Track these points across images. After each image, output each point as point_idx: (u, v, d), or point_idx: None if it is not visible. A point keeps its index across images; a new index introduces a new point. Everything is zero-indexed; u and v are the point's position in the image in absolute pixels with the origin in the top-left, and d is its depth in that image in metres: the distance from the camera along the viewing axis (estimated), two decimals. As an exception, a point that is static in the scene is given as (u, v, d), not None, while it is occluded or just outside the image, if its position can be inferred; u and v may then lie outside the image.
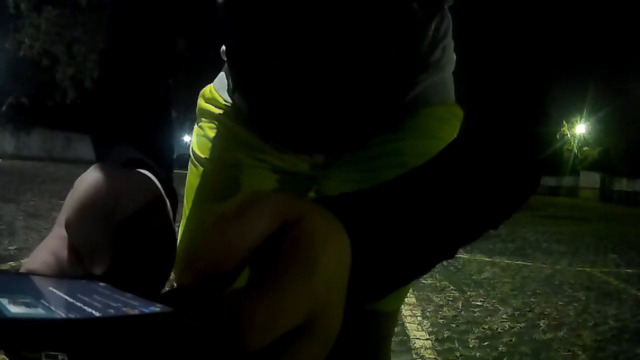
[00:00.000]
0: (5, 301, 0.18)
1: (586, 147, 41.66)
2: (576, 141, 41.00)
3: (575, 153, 40.39)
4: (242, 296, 0.20)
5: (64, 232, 0.31)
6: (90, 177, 0.32)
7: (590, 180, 34.62)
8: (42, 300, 0.20)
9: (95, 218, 0.30)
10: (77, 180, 0.32)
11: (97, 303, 0.21)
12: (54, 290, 0.24)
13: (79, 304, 0.21)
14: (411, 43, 0.55)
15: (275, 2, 0.53)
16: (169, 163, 0.46)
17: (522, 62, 0.40)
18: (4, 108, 19.52)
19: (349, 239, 0.26)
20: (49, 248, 0.30)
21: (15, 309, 0.17)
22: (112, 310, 0.20)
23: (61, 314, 0.19)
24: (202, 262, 0.23)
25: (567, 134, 40.63)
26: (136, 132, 0.44)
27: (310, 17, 0.53)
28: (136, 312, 0.21)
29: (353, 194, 0.32)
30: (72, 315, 0.19)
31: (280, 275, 0.21)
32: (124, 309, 0.21)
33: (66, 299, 0.22)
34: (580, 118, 41.23)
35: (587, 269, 4.87)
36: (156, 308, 0.22)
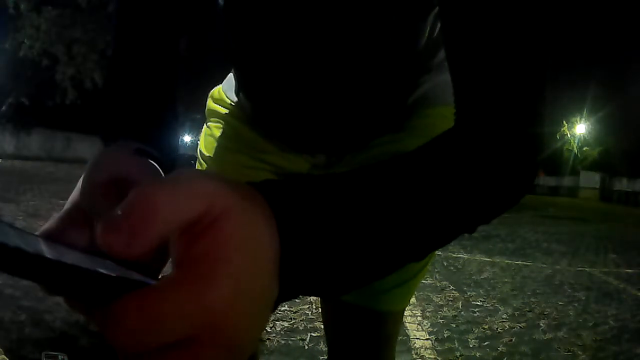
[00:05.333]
0: (22, 243, 0.19)
1: (586, 147, 41.66)
2: (576, 141, 41.00)
3: (575, 153, 40.39)
4: (129, 300, 0.20)
5: (74, 205, 0.34)
6: (99, 156, 0.35)
7: (590, 180, 34.62)
8: (50, 252, 0.22)
9: (105, 186, 0.33)
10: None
11: (100, 267, 0.22)
12: (63, 248, 0.26)
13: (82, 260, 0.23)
14: (408, 39, 0.55)
15: (272, 5, 0.53)
16: (173, 158, 0.47)
17: (515, 58, 0.37)
18: (4, 108, 19.52)
19: (279, 236, 0.25)
20: (61, 218, 0.33)
21: (32, 250, 0.19)
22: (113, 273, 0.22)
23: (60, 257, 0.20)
24: (123, 225, 0.21)
25: (567, 134, 40.64)
26: (142, 132, 0.45)
27: (306, 18, 0.53)
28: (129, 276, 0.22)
29: (306, 180, 0.30)
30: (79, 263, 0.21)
31: (173, 285, 0.21)
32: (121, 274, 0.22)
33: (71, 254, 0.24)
34: (580, 118, 41.24)
35: (587, 269, 4.87)
36: (151, 281, 0.23)
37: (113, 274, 0.21)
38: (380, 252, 0.31)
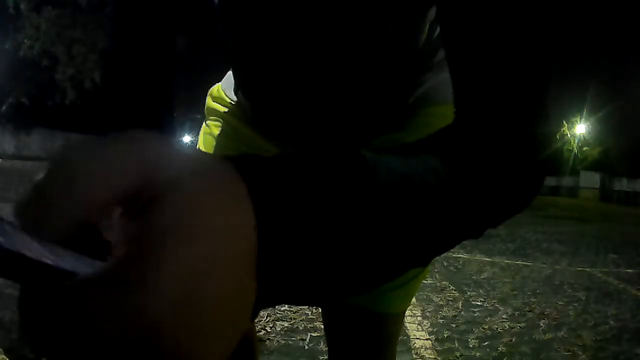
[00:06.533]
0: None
1: (586, 147, 41.64)
2: (576, 141, 40.97)
3: (575, 153, 40.37)
4: (54, 294, 0.16)
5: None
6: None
7: (590, 180, 34.60)
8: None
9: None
10: None
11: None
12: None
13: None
14: (407, 37, 0.55)
15: (269, 5, 0.53)
16: None
17: (518, 56, 0.36)
18: (4, 108, 19.53)
19: (256, 223, 0.19)
20: None
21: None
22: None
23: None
24: (40, 204, 0.17)
25: (567, 134, 40.60)
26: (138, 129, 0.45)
27: (305, 17, 0.53)
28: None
29: (295, 160, 0.24)
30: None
31: (99, 277, 0.16)
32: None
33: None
34: (580, 118, 41.20)
35: (587, 269, 4.86)
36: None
37: (49, 262, 0.17)
38: (381, 257, 0.28)
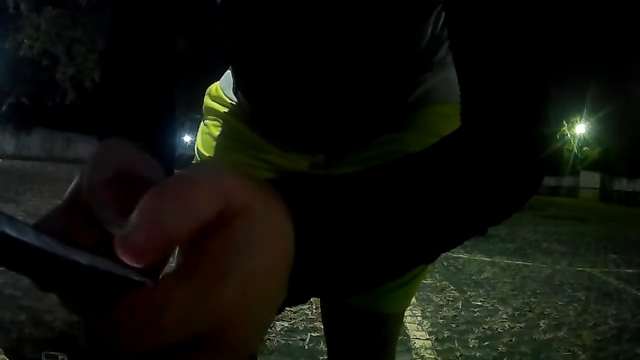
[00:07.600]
0: (22, 235, 0.18)
1: (586, 147, 41.65)
2: (576, 141, 40.98)
3: (575, 153, 40.37)
4: (132, 300, 0.19)
5: (71, 199, 0.32)
6: (102, 149, 0.34)
7: (590, 180, 34.63)
8: (52, 248, 0.20)
9: (108, 181, 0.32)
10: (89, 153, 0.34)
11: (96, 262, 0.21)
12: (60, 243, 0.24)
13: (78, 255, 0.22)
14: (409, 38, 0.55)
15: (270, 4, 0.53)
16: (171, 161, 0.47)
17: (520, 60, 0.38)
18: (4, 108, 19.53)
19: (295, 239, 0.24)
20: (57, 212, 0.32)
21: (29, 240, 0.18)
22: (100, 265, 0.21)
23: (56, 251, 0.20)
24: (132, 247, 0.20)
25: (567, 134, 40.60)
26: (139, 131, 0.44)
27: (306, 17, 0.53)
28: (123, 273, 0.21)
29: (322, 182, 0.30)
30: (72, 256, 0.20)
31: (180, 283, 0.20)
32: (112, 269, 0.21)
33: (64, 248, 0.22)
34: (580, 118, 41.21)
35: (587, 269, 4.87)
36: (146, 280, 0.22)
37: (117, 273, 0.20)
38: (395, 256, 0.31)
